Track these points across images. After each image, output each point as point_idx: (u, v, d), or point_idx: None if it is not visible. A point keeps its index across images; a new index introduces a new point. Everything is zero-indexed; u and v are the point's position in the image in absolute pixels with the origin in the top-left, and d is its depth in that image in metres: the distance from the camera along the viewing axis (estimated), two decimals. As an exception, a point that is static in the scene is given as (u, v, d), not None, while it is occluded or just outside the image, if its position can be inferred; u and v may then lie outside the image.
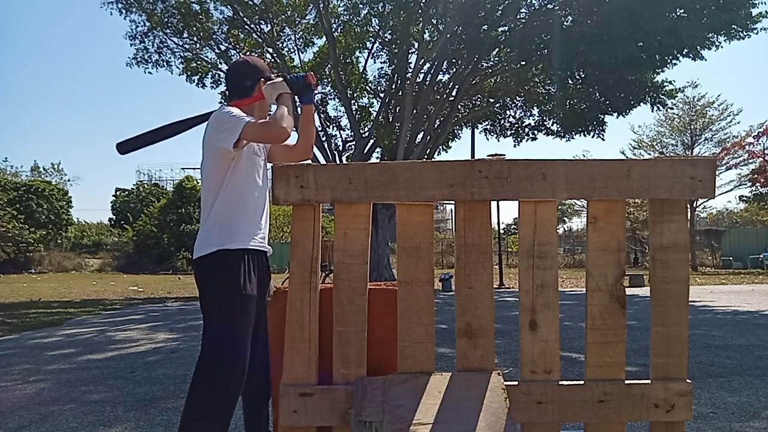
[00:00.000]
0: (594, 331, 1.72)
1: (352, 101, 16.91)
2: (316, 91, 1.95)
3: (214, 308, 2.10)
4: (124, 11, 14.64)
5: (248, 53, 16.51)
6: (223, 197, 2.14)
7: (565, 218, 39.61)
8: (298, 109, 2.43)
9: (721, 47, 12.27)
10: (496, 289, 14.68)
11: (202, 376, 2.05)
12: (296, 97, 2.33)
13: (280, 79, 2.29)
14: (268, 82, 2.30)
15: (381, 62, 17.43)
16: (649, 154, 28.10)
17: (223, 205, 2.13)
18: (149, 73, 16.03)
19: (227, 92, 2.44)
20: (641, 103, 14.49)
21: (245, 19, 15.35)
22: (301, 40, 16.76)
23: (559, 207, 14.94)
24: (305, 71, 2.42)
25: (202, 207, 2.21)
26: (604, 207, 1.73)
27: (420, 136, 16.11)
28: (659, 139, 29.06)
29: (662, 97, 14.21)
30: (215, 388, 2.02)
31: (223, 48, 16.07)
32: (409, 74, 15.24)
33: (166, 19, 14.95)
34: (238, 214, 2.15)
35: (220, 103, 17.27)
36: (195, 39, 15.59)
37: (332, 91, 17.67)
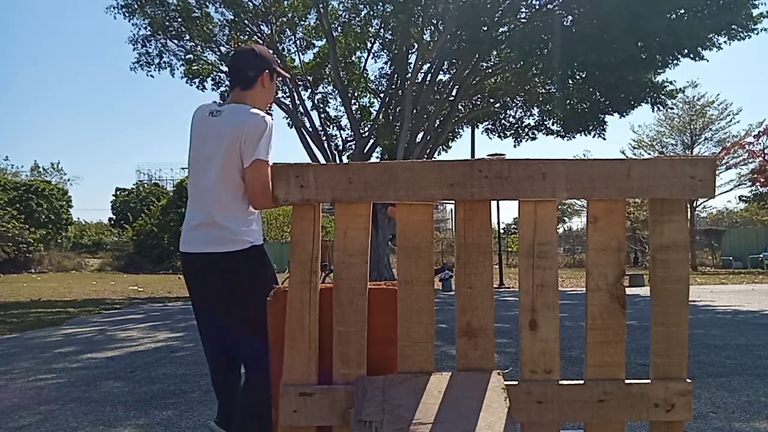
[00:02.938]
0: (594, 330, 1.72)
1: (353, 101, 16.91)
2: None
3: (256, 307, 1.94)
4: (127, 15, 14.67)
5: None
6: (244, 197, 2.15)
7: (565, 218, 39.64)
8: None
9: (721, 49, 12.26)
10: (496, 288, 14.68)
11: (265, 389, 1.88)
12: None
13: None
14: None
15: (381, 62, 17.46)
16: (649, 154, 28.10)
17: (245, 204, 2.16)
18: (151, 76, 16.08)
19: (229, 78, 2.40)
20: (641, 103, 14.49)
21: (246, 21, 15.36)
22: (301, 41, 16.78)
23: (559, 207, 14.92)
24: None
25: (215, 198, 2.14)
26: (604, 207, 1.73)
27: (420, 135, 16.11)
28: (659, 138, 29.08)
29: (662, 97, 14.22)
30: (270, 394, 1.87)
31: (224, 50, 16.07)
32: (409, 74, 15.24)
33: (167, 23, 14.96)
34: (256, 215, 2.23)
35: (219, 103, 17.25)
36: (196, 42, 15.62)
37: (332, 91, 17.67)
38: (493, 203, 1.80)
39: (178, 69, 16.19)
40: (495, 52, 15.26)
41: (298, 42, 16.75)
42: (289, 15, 15.89)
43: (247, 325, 2.15)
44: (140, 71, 15.70)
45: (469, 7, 12.65)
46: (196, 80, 16.72)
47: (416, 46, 14.75)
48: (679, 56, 12.60)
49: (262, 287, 1.97)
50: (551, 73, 14.00)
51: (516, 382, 1.70)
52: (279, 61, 2.43)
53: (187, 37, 15.46)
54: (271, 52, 2.50)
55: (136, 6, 14.55)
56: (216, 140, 2.17)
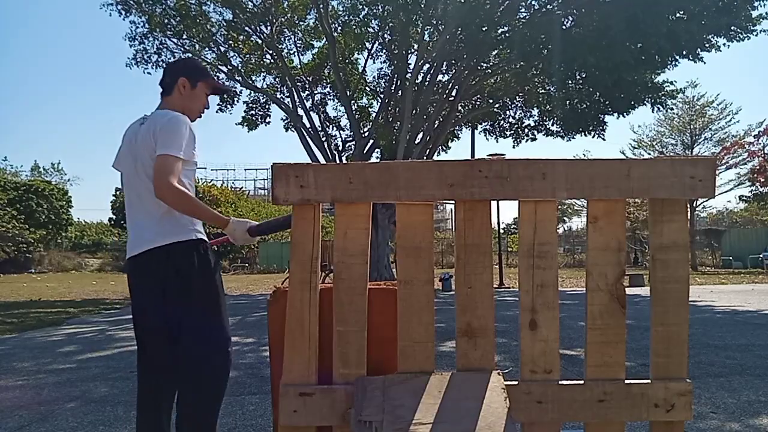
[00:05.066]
0: (594, 330, 1.72)
1: (352, 101, 16.91)
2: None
3: (205, 296, 2.21)
4: (123, 12, 14.65)
5: (247, 55, 16.52)
6: None
7: (565, 218, 39.64)
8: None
9: (720, 50, 12.26)
10: (496, 288, 14.67)
11: (212, 367, 2.23)
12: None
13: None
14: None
15: (380, 62, 17.44)
16: (649, 154, 28.12)
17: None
18: (148, 73, 16.03)
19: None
20: (641, 104, 14.48)
21: (245, 21, 15.35)
22: (300, 41, 16.77)
23: (559, 207, 14.91)
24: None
25: (151, 199, 2.13)
26: (604, 207, 1.73)
27: (420, 136, 16.11)
28: (659, 138, 29.10)
29: (662, 97, 14.20)
30: (225, 377, 2.28)
31: (222, 49, 16.06)
32: (409, 75, 15.23)
33: (165, 21, 14.95)
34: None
35: (219, 105, 17.16)
36: (195, 41, 15.60)
37: (332, 91, 17.67)
38: (493, 203, 1.80)
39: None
40: (494, 53, 15.24)
41: (297, 42, 16.75)
42: (289, 15, 15.89)
43: None
44: (136, 69, 15.69)
45: (468, 7, 12.65)
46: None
47: (416, 46, 14.75)
48: (678, 58, 12.61)
49: None
50: (551, 73, 14.00)
51: (516, 382, 1.70)
52: (213, 76, 2.47)
53: (185, 36, 15.44)
54: (204, 65, 2.57)
55: (132, 2, 14.53)
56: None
